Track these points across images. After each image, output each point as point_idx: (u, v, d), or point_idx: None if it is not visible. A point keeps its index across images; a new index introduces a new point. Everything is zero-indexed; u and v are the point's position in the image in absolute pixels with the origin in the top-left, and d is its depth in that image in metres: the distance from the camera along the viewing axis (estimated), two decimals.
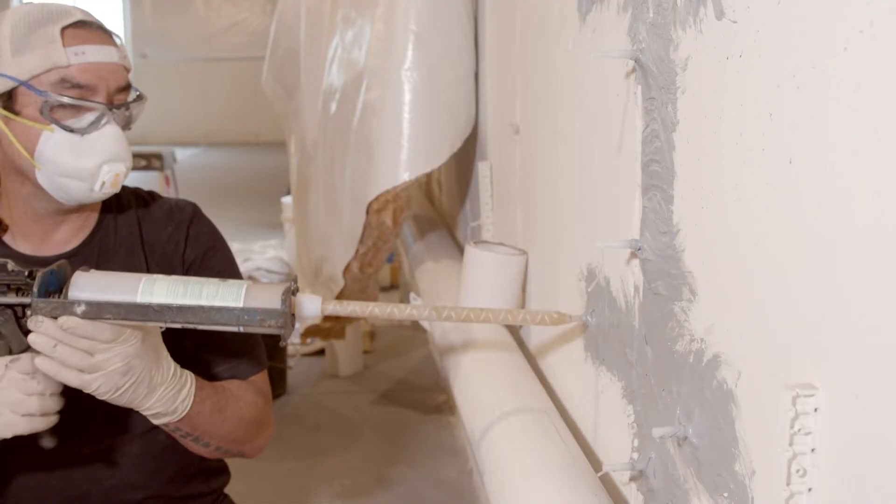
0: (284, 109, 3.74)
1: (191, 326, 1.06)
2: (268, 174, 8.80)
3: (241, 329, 1.05)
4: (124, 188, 1.34)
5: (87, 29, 1.23)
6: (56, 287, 1.07)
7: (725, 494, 0.81)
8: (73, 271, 1.09)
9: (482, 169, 2.01)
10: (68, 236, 1.30)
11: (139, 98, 1.27)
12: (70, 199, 1.23)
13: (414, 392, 3.49)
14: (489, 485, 1.16)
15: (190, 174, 8.71)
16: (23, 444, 1.16)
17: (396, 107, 2.08)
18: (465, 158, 2.35)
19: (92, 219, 1.32)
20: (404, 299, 4.50)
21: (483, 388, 1.38)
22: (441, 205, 3.23)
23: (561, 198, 1.36)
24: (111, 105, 1.22)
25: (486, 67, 2.05)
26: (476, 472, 2.58)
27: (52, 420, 1.10)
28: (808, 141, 0.65)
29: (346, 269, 2.48)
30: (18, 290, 1.06)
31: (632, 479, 1.07)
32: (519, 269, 1.56)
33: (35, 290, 1.04)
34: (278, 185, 6.56)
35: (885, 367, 0.58)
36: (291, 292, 1.06)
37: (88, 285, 1.06)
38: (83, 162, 1.20)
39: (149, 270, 1.32)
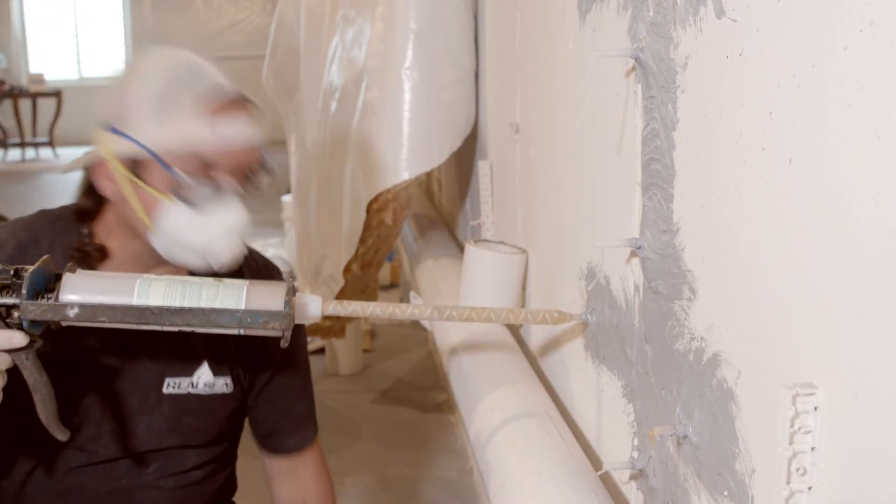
0: (284, 108, 3.74)
1: (189, 329, 1.02)
2: None
3: (242, 331, 1.02)
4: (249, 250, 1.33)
5: (241, 106, 1.18)
6: (42, 285, 1.01)
7: (725, 493, 0.81)
8: (77, 267, 1.04)
9: (482, 168, 2.01)
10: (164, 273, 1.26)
11: (269, 173, 1.23)
12: (181, 263, 1.20)
13: (414, 391, 3.49)
14: (489, 484, 1.17)
15: None
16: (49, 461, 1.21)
17: (396, 106, 2.08)
18: (465, 157, 2.35)
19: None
20: (404, 298, 4.50)
21: (483, 386, 1.38)
22: (441, 204, 3.23)
23: (561, 196, 1.36)
24: (243, 189, 1.18)
25: (486, 67, 2.05)
26: (476, 471, 2.58)
27: None
28: (808, 140, 0.65)
29: (347, 268, 2.48)
30: (4, 289, 0.99)
31: (632, 477, 1.07)
32: (519, 267, 1.56)
33: (24, 291, 0.98)
34: (278, 185, 6.56)
35: (885, 365, 0.58)
36: (292, 292, 1.04)
37: (80, 286, 1.01)
38: (200, 236, 1.16)
39: (224, 337, 1.28)
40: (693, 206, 0.86)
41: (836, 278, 0.63)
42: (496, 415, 1.26)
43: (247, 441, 1.44)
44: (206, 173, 1.15)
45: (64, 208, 1.27)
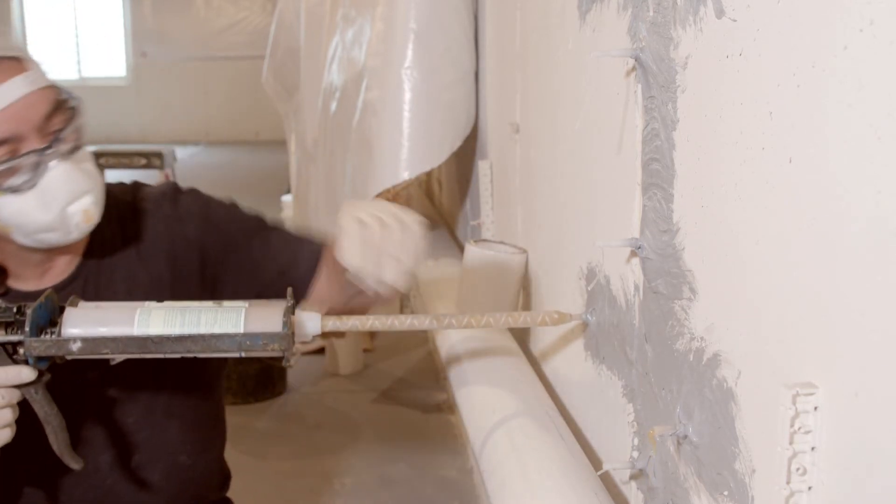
0: (284, 108, 3.74)
1: (191, 355, 1.03)
2: (268, 173, 8.80)
3: (243, 354, 1.04)
4: (109, 191, 1.23)
5: None
6: (46, 319, 1.03)
7: (725, 493, 0.81)
8: (65, 297, 1.05)
9: (482, 168, 2.01)
10: (65, 265, 1.23)
11: (73, 108, 1.14)
12: (54, 245, 1.16)
13: (414, 391, 3.49)
14: (489, 483, 1.17)
15: (190, 173, 8.71)
16: (43, 466, 1.19)
17: (396, 106, 2.08)
18: (465, 157, 2.35)
19: (84, 241, 1.23)
20: (404, 299, 4.50)
21: (483, 386, 1.38)
22: (441, 204, 3.23)
23: (561, 196, 1.36)
24: (46, 146, 1.09)
25: (486, 66, 2.05)
26: (476, 471, 2.58)
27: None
28: (808, 140, 0.65)
29: None
30: (9, 326, 1.02)
31: (632, 477, 1.07)
32: (519, 267, 1.56)
33: (27, 328, 1.00)
34: (278, 184, 6.56)
35: (885, 365, 0.58)
36: (290, 310, 1.04)
37: (81, 320, 1.03)
38: (45, 215, 1.09)
39: (153, 272, 1.26)
40: (693, 206, 0.86)
41: (837, 278, 0.63)
42: (496, 415, 1.26)
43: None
44: (5, 152, 1.07)
45: None
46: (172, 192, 1.32)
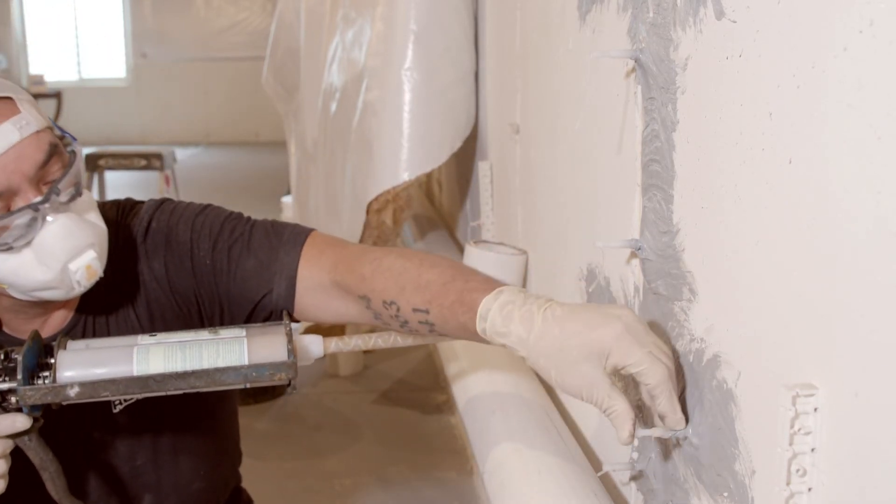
0: (284, 109, 3.74)
1: (195, 391, 0.98)
2: (268, 174, 8.80)
3: (248, 385, 0.99)
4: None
5: None
6: (34, 363, 0.96)
7: (725, 494, 0.81)
8: (67, 340, 1.00)
9: (482, 168, 2.01)
10: (60, 317, 1.15)
11: (71, 151, 1.05)
12: (54, 300, 1.07)
13: (414, 392, 3.49)
14: (489, 484, 1.16)
15: (190, 174, 8.70)
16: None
17: (396, 106, 2.08)
18: (465, 158, 2.35)
19: None
20: None
21: (483, 387, 1.39)
22: (441, 204, 3.23)
23: (561, 197, 1.35)
24: (42, 199, 0.99)
25: (486, 67, 2.05)
26: (476, 471, 2.58)
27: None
28: (807, 141, 0.65)
29: None
30: None
31: (632, 478, 1.07)
32: (519, 268, 1.56)
33: (19, 376, 0.94)
34: (278, 185, 6.56)
35: (884, 366, 0.58)
36: (291, 337, 1.01)
37: (76, 362, 0.97)
38: (44, 274, 1.00)
39: (139, 314, 1.16)
40: (693, 206, 0.86)
41: (836, 279, 0.62)
42: (496, 416, 1.26)
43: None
44: None
45: None
46: (147, 222, 1.18)
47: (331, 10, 2.74)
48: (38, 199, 0.99)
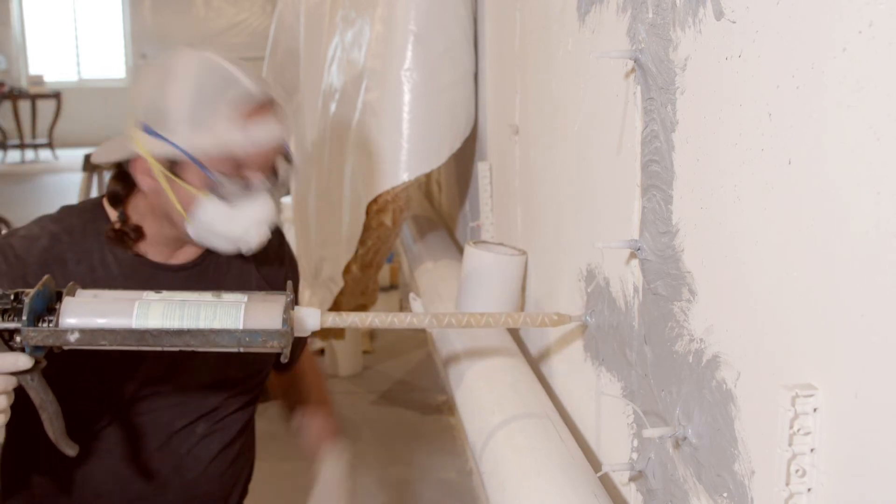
0: (284, 109, 3.73)
1: (189, 349, 1.04)
2: None
3: (242, 350, 1.03)
4: None
5: (268, 109, 1.26)
6: (43, 307, 1.03)
7: (725, 495, 0.81)
8: (77, 287, 1.06)
9: (482, 169, 2.01)
10: (192, 252, 1.37)
11: (291, 165, 1.32)
12: (213, 248, 1.31)
13: (414, 392, 3.49)
14: (489, 485, 1.16)
15: None
16: (110, 430, 1.31)
17: (396, 107, 2.08)
18: (464, 159, 2.35)
19: None
20: (404, 300, 4.50)
21: (482, 388, 1.38)
22: (441, 205, 3.23)
23: (560, 198, 1.36)
24: (270, 182, 1.27)
25: (486, 68, 2.05)
26: (476, 472, 2.58)
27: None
28: (807, 141, 0.65)
29: (346, 269, 2.48)
30: (5, 313, 1.02)
31: (631, 479, 1.07)
32: (519, 269, 1.56)
33: (24, 317, 1.00)
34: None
35: (884, 366, 0.58)
36: (290, 307, 1.04)
37: (79, 310, 1.03)
38: (233, 227, 1.26)
39: (256, 285, 1.43)
40: (692, 207, 0.86)
41: (836, 279, 0.63)
42: (496, 416, 1.26)
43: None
44: (238, 172, 1.23)
45: (86, 201, 1.38)
46: (281, 233, 1.53)
47: (330, 10, 2.74)
48: (264, 178, 1.26)
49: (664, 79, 0.90)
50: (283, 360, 1.04)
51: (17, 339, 1.02)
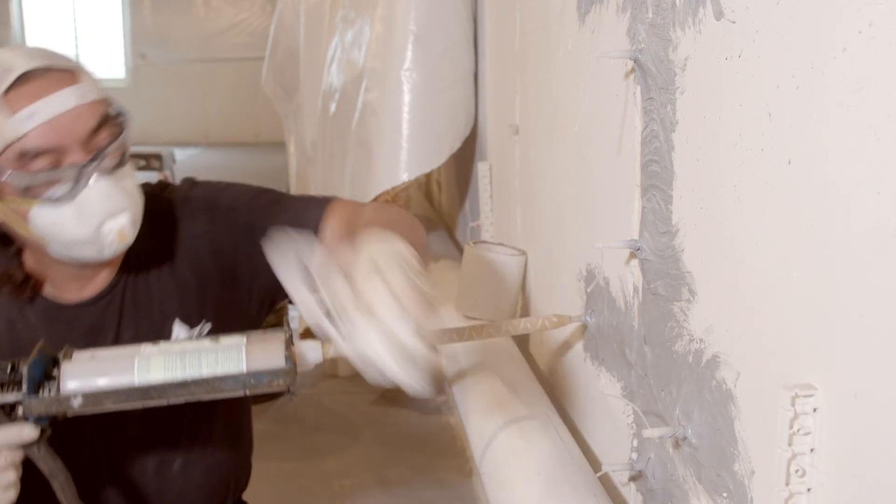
0: (284, 110, 3.74)
1: (195, 399, 1.00)
2: (267, 175, 8.78)
3: (248, 393, 1.01)
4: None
5: (34, 80, 1.06)
6: (41, 374, 0.99)
7: (724, 495, 0.81)
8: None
9: (481, 169, 2.01)
10: (102, 279, 1.23)
11: (121, 124, 1.13)
12: (89, 261, 1.15)
13: None
14: (489, 485, 1.16)
15: (189, 174, 8.69)
16: (110, 489, 1.25)
17: (396, 107, 2.08)
18: (464, 159, 2.35)
19: (120, 255, 1.22)
20: None
21: (482, 388, 1.38)
22: (440, 205, 3.23)
23: (560, 198, 1.36)
24: (89, 161, 1.08)
25: (486, 68, 2.05)
26: (476, 472, 2.58)
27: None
28: (807, 141, 0.65)
29: None
30: (3, 386, 0.98)
31: (631, 479, 1.07)
32: (518, 269, 1.56)
33: (24, 387, 0.97)
34: (278, 185, 6.55)
35: (883, 366, 0.58)
36: (290, 343, 1.02)
37: (79, 373, 1.00)
38: (81, 230, 1.09)
39: (180, 281, 1.25)
40: (692, 207, 0.86)
41: (836, 279, 0.63)
42: (495, 416, 1.25)
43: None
44: (48, 163, 1.06)
45: None
46: (186, 192, 1.30)
47: (330, 10, 2.74)
48: (86, 160, 1.08)
49: (664, 79, 0.90)
50: (290, 397, 1.01)
51: (20, 410, 0.98)
